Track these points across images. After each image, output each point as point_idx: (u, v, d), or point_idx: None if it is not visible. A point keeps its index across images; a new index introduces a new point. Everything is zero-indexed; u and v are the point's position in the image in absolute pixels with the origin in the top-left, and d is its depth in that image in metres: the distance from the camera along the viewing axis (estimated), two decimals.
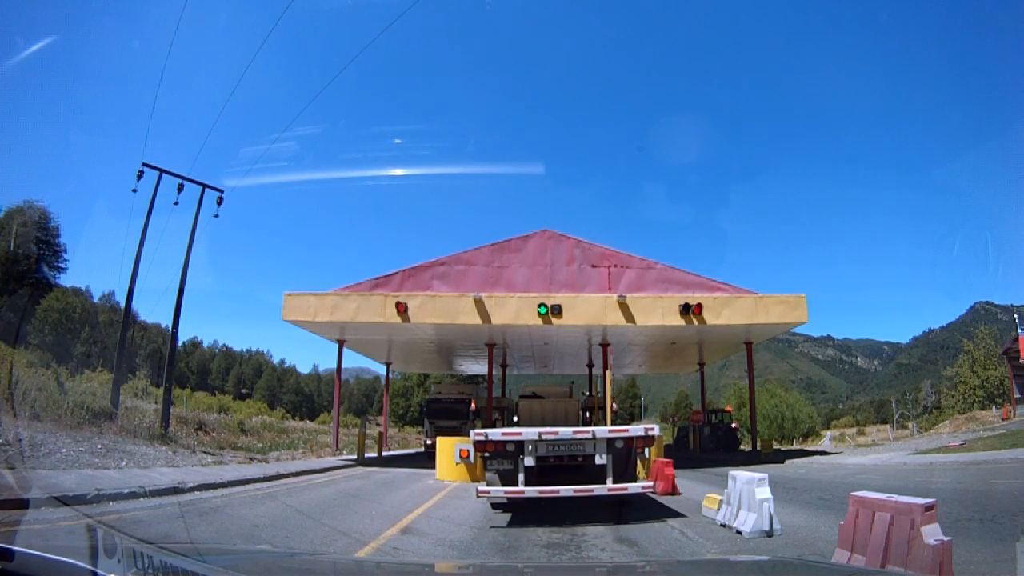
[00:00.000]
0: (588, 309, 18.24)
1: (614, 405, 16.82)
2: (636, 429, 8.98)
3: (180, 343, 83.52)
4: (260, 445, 24.69)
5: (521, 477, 8.37)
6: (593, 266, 19.15)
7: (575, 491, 8.04)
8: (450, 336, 21.98)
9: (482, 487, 8.65)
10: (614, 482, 8.24)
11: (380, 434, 26.00)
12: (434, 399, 25.56)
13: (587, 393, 30.75)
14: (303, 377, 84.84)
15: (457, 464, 14.14)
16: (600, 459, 8.26)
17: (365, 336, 22.49)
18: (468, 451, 13.93)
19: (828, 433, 37.95)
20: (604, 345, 21.55)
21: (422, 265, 19.70)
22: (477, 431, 8.80)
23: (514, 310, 18.16)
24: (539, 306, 17.89)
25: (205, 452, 18.41)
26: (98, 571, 1.72)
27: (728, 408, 31.87)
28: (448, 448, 14.54)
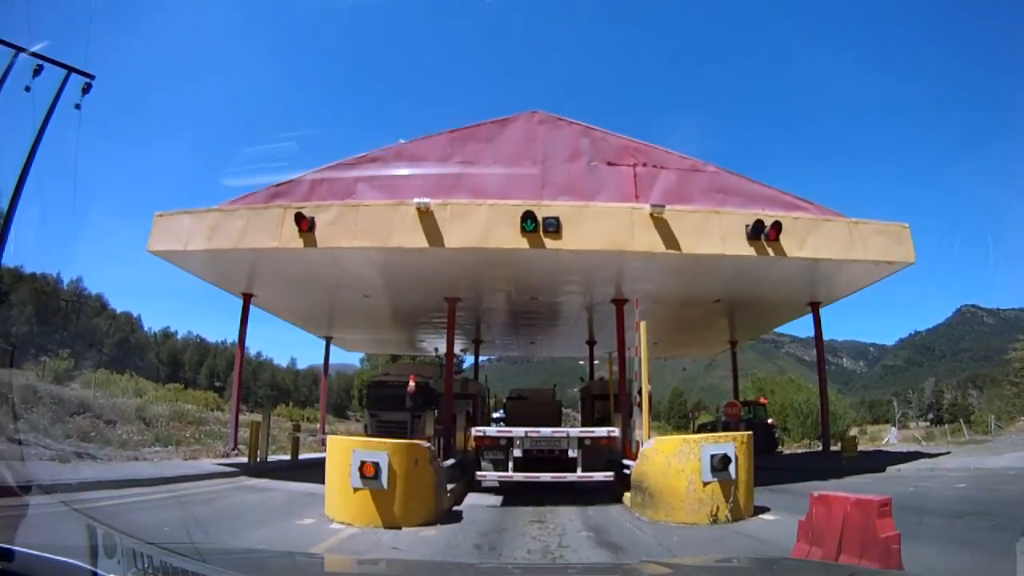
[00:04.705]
0: (604, 226, 11.16)
1: (649, 387, 10.14)
2: (600, 431, 10.86)
3: (152, 333, 75.23)
4: (139, 438, 18.78)
5: (510, 465, 10.28)
6: (610, 164, 12.12)
7: (552, 477, 10.09)
8: (392, 280, 14.63)
9: (480, 472, 11.08)
10: (583, 471, 10.16)
11: (294, 435, 18.66)
12: (377, 382, 18.24)
13: (584, 380, 23.89)
14: (280, 371, 79.20)
15: (357, 491, 6.94)
16: (572, 453, 10.31)
17: (273, 278, 15.11)
18: (375, 465, 6.85)
19: (893, 430, 31.61)
20: (619, 301, 14.72)
21: (345, 162, 12.60)
22: (477, 428, 11.40)
23: (482, 226, 11.05)
24: (524, 218, 10.85)
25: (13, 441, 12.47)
26: (98, 571, 1.70)
27: (763, 400, 25.22)
28: (341, 458, 7.23)
